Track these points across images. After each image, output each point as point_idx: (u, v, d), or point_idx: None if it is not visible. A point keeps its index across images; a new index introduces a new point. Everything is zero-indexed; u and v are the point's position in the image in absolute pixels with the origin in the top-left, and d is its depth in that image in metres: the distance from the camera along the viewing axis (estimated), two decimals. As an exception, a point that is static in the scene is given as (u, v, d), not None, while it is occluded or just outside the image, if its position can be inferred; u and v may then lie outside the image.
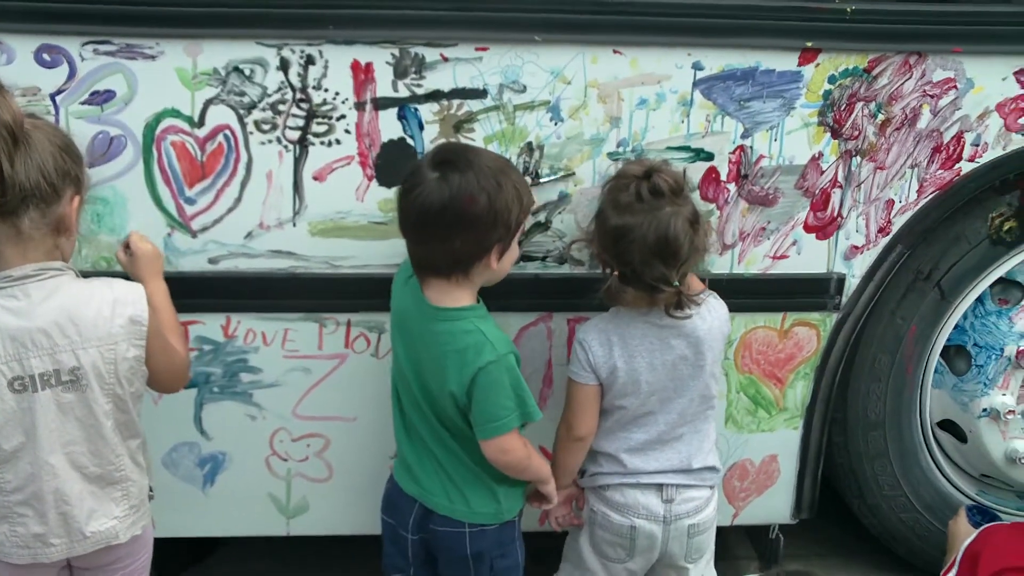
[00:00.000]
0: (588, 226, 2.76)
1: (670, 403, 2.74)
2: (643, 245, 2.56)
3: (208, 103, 2.66)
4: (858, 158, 2.94)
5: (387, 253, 2.78)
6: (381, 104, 2.70)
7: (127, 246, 2.64)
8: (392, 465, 2.79)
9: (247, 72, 2.64)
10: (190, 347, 2.86)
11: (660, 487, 2.78)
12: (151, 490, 2.59)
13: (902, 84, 2.88)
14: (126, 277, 2.55)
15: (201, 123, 2.67)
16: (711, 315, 2.72)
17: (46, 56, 2.57)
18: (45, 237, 2.31)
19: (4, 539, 2.39)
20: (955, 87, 2.91)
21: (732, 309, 2.88)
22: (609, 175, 2.76)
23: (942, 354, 3.39)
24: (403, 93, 2.70)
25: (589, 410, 2.75)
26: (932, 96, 2.90)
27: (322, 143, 2.72)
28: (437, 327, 2.54)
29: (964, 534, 3.01)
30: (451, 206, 2.44)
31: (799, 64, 2.82)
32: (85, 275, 2.48)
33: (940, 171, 3.00)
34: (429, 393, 2.57)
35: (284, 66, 2.64)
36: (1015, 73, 2.93)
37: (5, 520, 2.38)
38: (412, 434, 2.67)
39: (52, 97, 2.59)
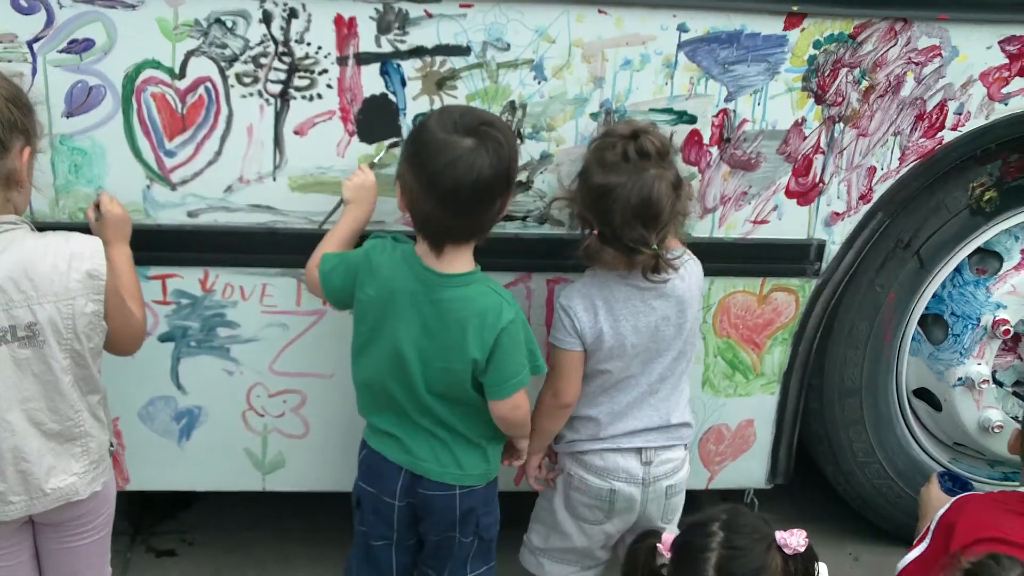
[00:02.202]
0: (571, 184, 2.75)
1: (651, 364, 2.75)
2: (625, 205, 2.55)
3: (189, 55, 2.63)
4: (841, 124, 2.94)
5: (367, 209, 2.77)
6: (364, 59, 2.68)
7: (97, 206, 2.62)
8: (364, 435, 2.78)
9: (229, 24, 2.61)
10: (168, 301, 2.85)
11: (639, 450, 2.79)
12: (112, 445, 2.57)
13: (887, 51, 2.87)
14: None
15: (182, 75, 2.65)
16: (689, 275, 2.73)
17: (23, 2, 2.53)
18: None
19: None
20: (940, 55, 2.90)
21: (711, 273, 2.90)
22: (595, 134, 2.76)
23: (919, 323, 3.40)
24: (386, 49, 2.68)
25: (575, 376, 2.75)
26: (916, 64, 2.90)
27: (304, 97, 2.70)
28: (449, 294, 2.52)
29: (936, 502, 3.02)
30: (503, 172, 2.46)
31: (784, 28, 2.81)
32: (63, 228, 2.46)
33: (922, 139, 3.00)
34: (431, 366, 2.56)
35: (267, 19, 2.62)
36: (1000, 42, 2.92)
37: None
38: (392, 408, 2.64)
39: (29, 44, 2.56)
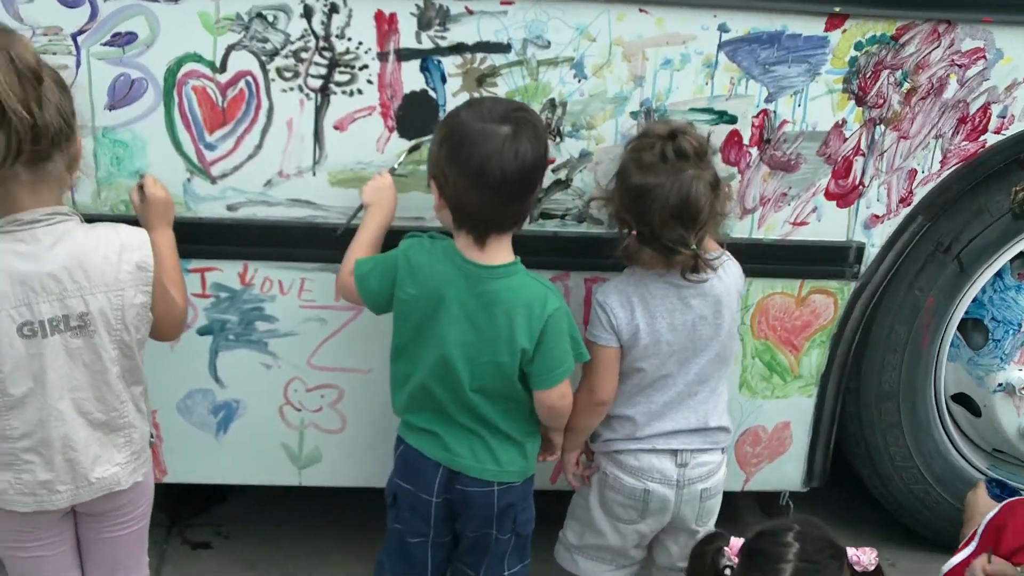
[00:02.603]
0: (608, 184, 2.75)
1: (688, 364, 2.74)
2: (664, 206, 2.55)
3: (230, 48, 2.65)
4: (882, 127, 2.92)
5: (406, 206, 2.77)
6: (404, 55, 2.69)
7: (141, 188, 2.64)
8: (400, 432, 2.78)
9: (270, 18, 2.63)
10: (207, 294, 2.87)
11: (675, 452, 2.78)
12: (152, 436, 2.59)
13: (930, 53, 2.85)
14: (136, 221, 2.56)
15: (223, 69, 2.67)
16: (727, 275, 2.72)
17: (69, -5, 2.57)
18: (61, 176, 2.29)
19: (7, 487, 2.37)
20: (984, 57, 2.88)
21: (750, 274, 2.88)
22: (632, 134, 2.75)
23: (959, 327, 3.38)
24: (426, 45, 2.69)
25: (611, 373, 2.75)
26: (960, 66, 2.88)
27: (344, 92, 2.71)
28: (495, 286, 2.53)
29: (983, 507, 2.98)
30: (542, 154, 2.50)
31: (826, 29, 2.80)
32: (106, 219, 2.48)
33: (965, 142, 2.98)
34: (478, 361, 2.56)
35: (307, 14, 2.63)
36: (1045, 44, 2.91)
37: (9, 468, 2.36)
38: (432, 406, 2.64)
39: (73, 37, 2.58)
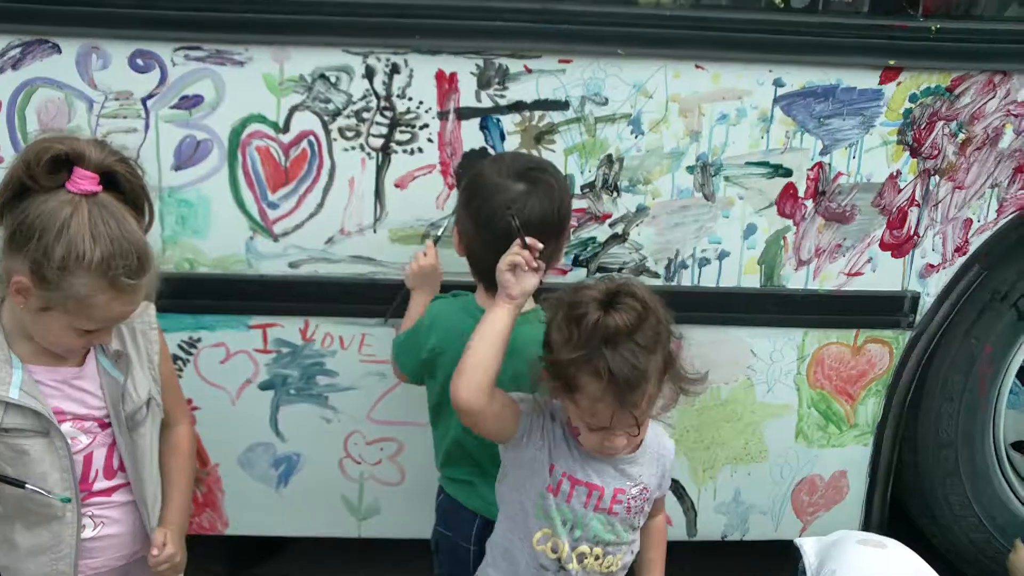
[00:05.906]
0: None
1: None
2: None
3: (294, 109, 2.70)
4: (937, 177, 2.93)
5: (466, 262, 2.79)
6: (464, 114, 2.73)
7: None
8: (439, 482, 2.78)
9: (333, 79, 2.67)
10: (268, 349, 2.91)
11: None
12: None
13: (985, 103, 2.86)
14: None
15: (286, 129, 2.71)
16: None
17: (140, 61, 2.62)
18: None
19: None
20: (1040, 106, 2.90)
21: (806, 325, 2.89)
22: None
23: (1018, 375, 3.36)
24: (486, 103, 2.73)
25: None
26: (1016, 115, 2.89)
27: (404, 151, 2.75)
28: (530, 331, 2.50)
29: None
30: (553, 215, 2.46)
31: (880, 82, 2.82)
32: (168, 277, 2.51)
33: (1022, 191, 2.98)
34: None
35: (369, 74, 2.68)
36: (1101, 94, 2.91)
37: None
38: (467, 460, 2.64)
39: (143, 101, 2.64)
